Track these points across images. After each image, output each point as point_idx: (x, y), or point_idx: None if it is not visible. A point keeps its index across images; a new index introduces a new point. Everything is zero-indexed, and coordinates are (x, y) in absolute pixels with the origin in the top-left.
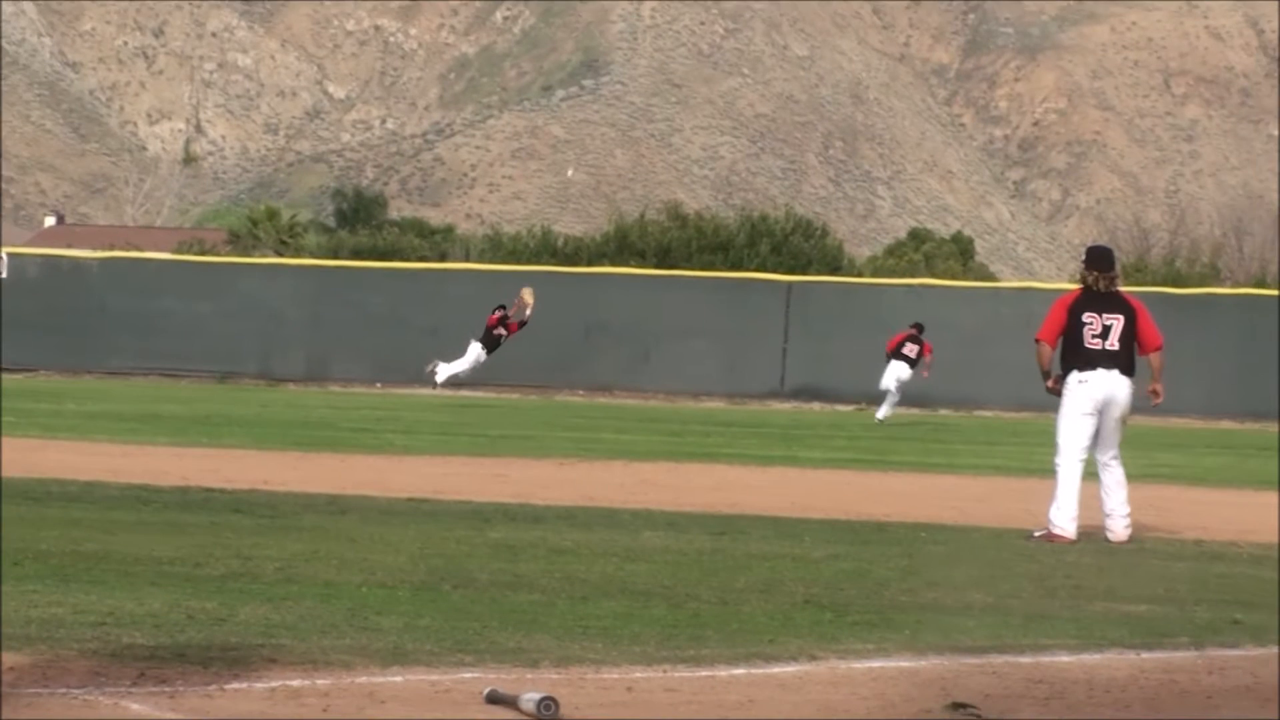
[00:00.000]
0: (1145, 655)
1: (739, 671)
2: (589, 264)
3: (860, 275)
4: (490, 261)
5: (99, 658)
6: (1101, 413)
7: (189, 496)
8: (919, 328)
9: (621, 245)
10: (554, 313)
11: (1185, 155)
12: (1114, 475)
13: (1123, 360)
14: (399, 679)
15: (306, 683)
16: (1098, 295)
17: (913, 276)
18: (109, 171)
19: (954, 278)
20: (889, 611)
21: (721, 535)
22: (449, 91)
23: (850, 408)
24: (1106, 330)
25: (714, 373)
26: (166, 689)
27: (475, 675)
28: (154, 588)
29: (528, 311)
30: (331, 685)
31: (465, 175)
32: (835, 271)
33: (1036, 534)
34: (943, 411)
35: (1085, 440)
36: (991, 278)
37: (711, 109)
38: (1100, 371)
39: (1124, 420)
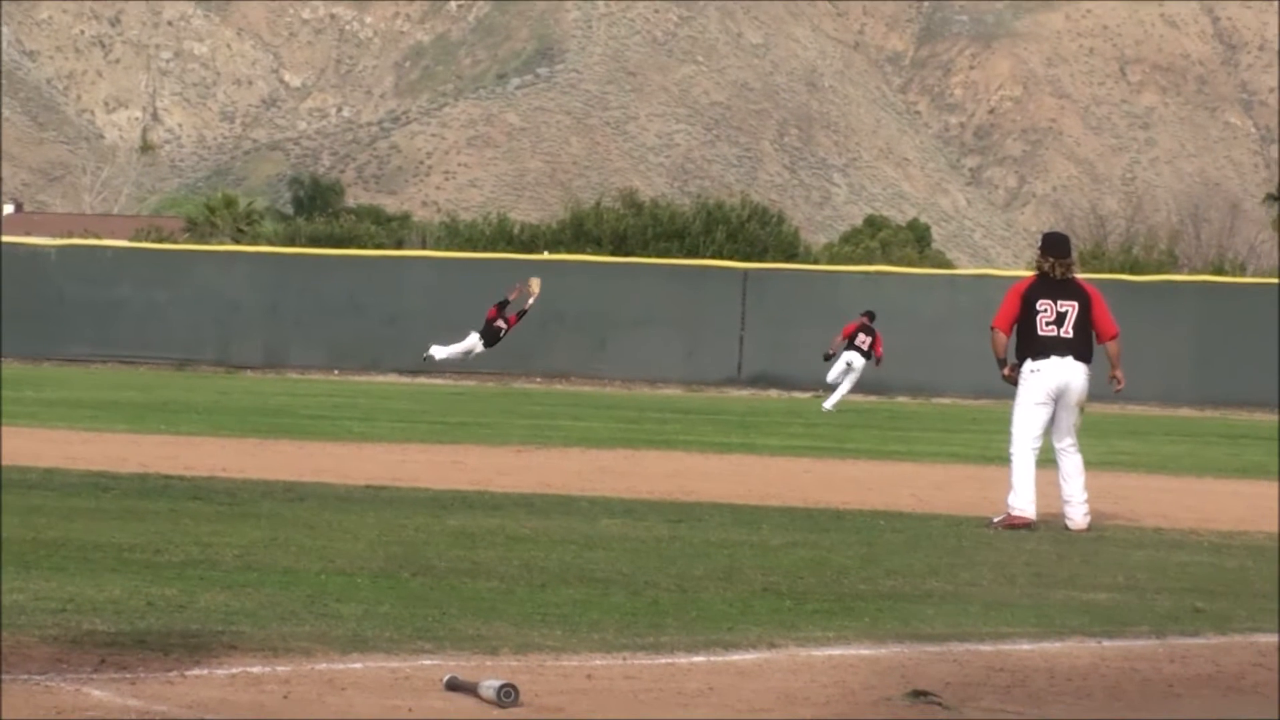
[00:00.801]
0: (1106, 643)
1: (698, 659)
2: (545, 251)
3: (816, 263)
4: (447, 249)
5: (60, 644)
6: (1057, 400)
7: (148, 483)
8: (870, 316)
9: (577, 233)
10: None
11: (1142, 143)
12: (1072, 462)
13: (1078, 347)
14: (359, 666)
15: (267, 669)
16: (1053, 282)
17: (869, 264)
18: (67, 160)
19: (910, 265)
20: (848, 599)
21: (679, 523)
22: (404, 80)
23: (807, 395)
24: (1061, 317)
25: (671, 360)
26: (127, 675)
27: (435, 662)
28: (114, 574)
29: (530, 301)
30: (291, 672)
31: (421, 163)
32: (791, 259)
33: (996, 520)
34: (900, 399)
35: (1038, 429)
36: (948, 265)
37: (666, 96)
38: (1054, 359)
39: (1081, 407)
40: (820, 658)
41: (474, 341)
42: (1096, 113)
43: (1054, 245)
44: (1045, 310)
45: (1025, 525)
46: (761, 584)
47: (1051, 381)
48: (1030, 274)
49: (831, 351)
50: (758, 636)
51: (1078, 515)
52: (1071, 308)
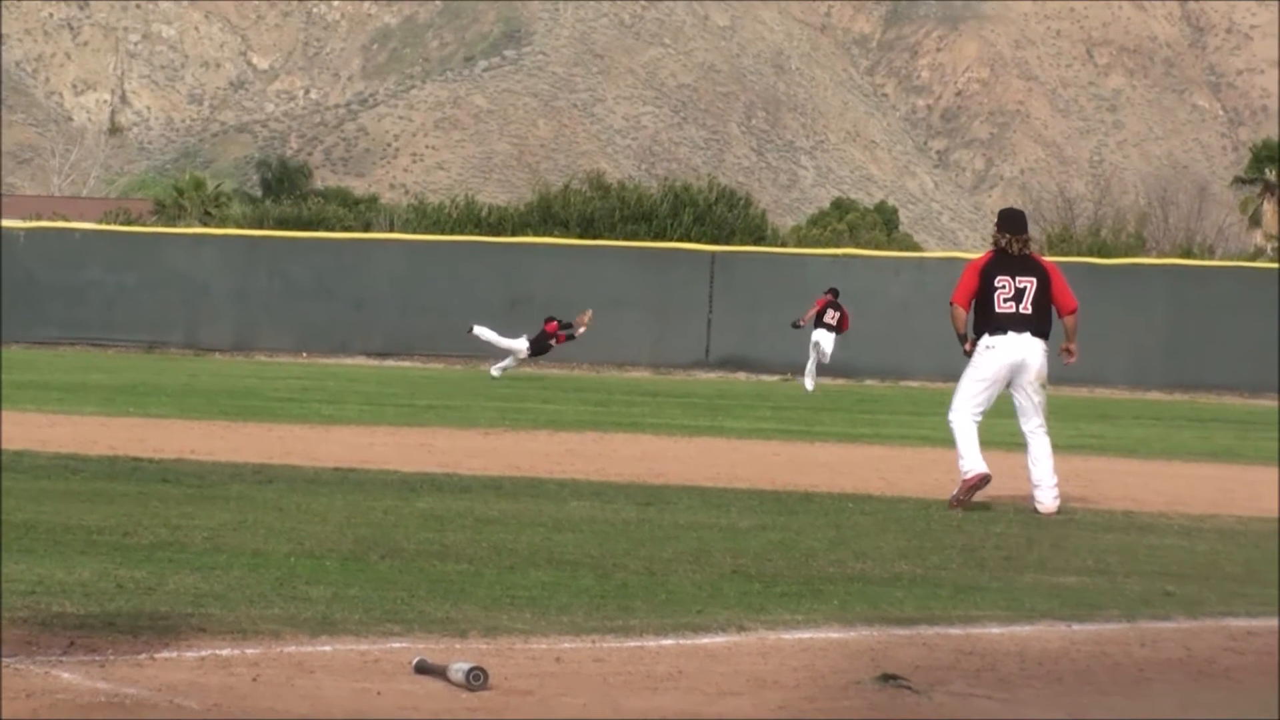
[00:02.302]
0: (1076, 627)
1: (668, 642)
2: (513, 234)
3: (784, 245)
4: (415, 231)
5: (29, 626)
6: (1014, 379)
7: (117, 466)
8: (835, 293)
9: (545, 215)
10: (478, 283)
11: (1109, 125)
12: (1040, 445)
13: (1035, 323)
14: (328, 648)
15: (236, 652)
16: (1011, 258)
17: (837, 246)
18: (35, 142)
19: (878, 248)
20: (817, 582)
21: (648, 505)
22: (372, 62)
23: (775, 378)
24: (1020, 294)
25: (639, 343)
26: (96, 658)
27: (404, 645)
28: (83, 557)
29: (580, 330)
30: (261, 654)
31: (389, 145)
32: (759, 242)
33: (954, 496)
34: (869, 382)
35: (981, 403)
36: (916, 248)
37: (633, 79)
38: (1011, 335)
39: (1043, 385)
40: (789, 641)
41: (521, 346)
42: (1064, 95)
43: (1011, 221)
44: (1004, 287)
45: (981, 480)
46: (730, 567)
47: (1007, 358)
48: (988, 250)
49: (801, 321)
50: (727, 619)
51: (1047, 499)
52: (1030, 284)
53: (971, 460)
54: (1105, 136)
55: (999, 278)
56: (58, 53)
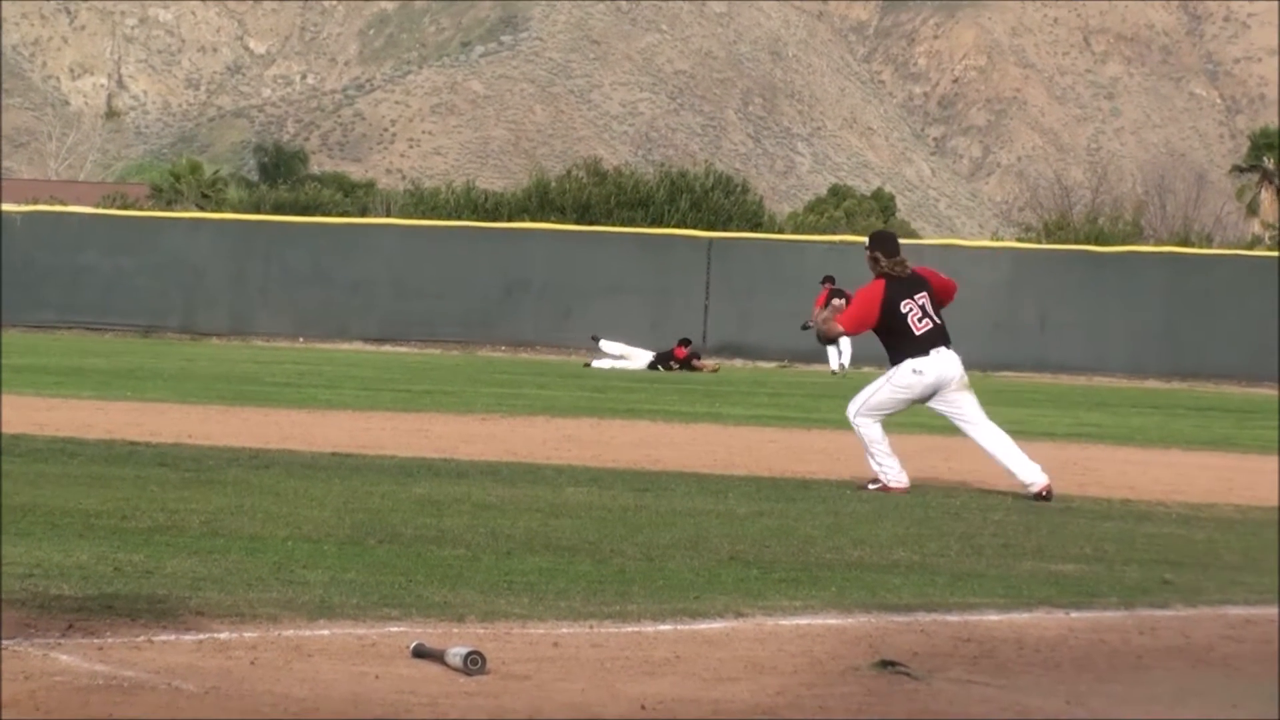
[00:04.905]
0: (1075, 615)
1: (665, 627)
2: (509, 219)
3: (781, 232)
4: (411, 217)
5: (27, 609)
6: (936, 393)
7: (114, 450)
8: (832, 280)
9: (542, 201)
10: (475, 268)
11: (1106, 113)
12: (996, 437)
13: (945, 333)
14: (326, 632)
15: (234, 635)
16: (900, 281)
17: (834, 233)
18: (32, 126)
19: None
20: (815, 569)
21: (645, 491)
22: (369, 47)
23: (772, 365)
24: (923, 309)
25: (636, 329)
26: (95, 640)
27: (401, 629)
28: (81, 540)
29: (703, 369)
30: (259, 638)
31: (385, 130)
32: (756, 228)
33: (871, 486)
34: (866, 369)
35: (890, 412)
36: (913, 235)
37: (630, 65)
38: (933, 355)
39: (966, 386)
40: (787, 627)
41: (643, 359)
42: (1061, 83)
43: (887, 243)
44: (910, 310)
45: (904, 492)
46: (728, 553)
47: (933, 378)
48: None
49: (811, 323)
50: (724, 605)
51: (1034, 475)
52: (924, 297)
53: (897, 474)
54: (1103, 124)
55: (903, 302)
56: (54, 36)
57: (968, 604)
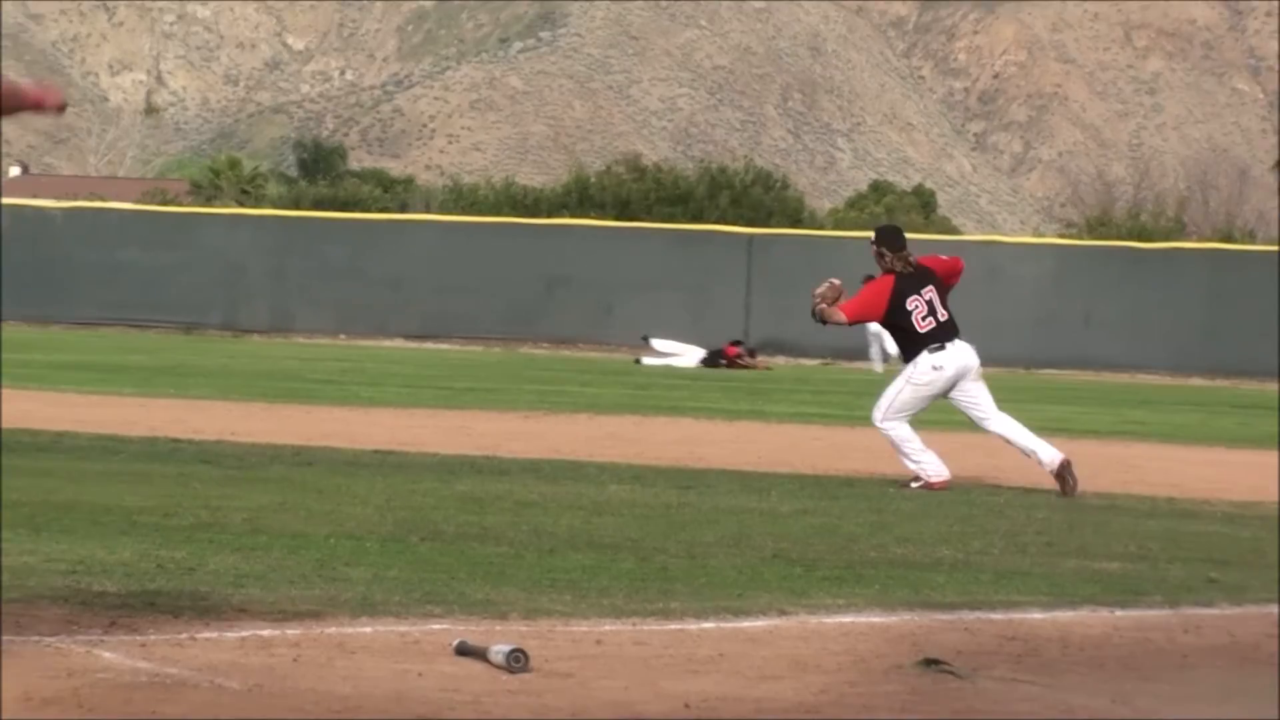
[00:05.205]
0: (1119, 613)
1: (708, 625)
2: (549, 215)
3: (822, 228)
4: (450, 212)
5: (70, 606)
6: (955, 386)
7: (157, 447)
8: (871, 279)
9: (581, 197)
10: (515, 265)
11: (1148, 108)
12: (1009, 424)
13: (955, 326)
14: (368, 629)
15: (276, 632)
16: (908, 277)
17: (874, 229)
18: (72, 122)
19: (916, 231)
20: (859, 566)
21: (688, 489)
22: (407, 43)
23: (815, 362)
24: (930, 305)
25: (677, 326)
26: (138, 638)
27: (444, 626)
28: (124, 537)
29: (751, 365)
30: (301, 635)
31: (424, 126)
32: (796, 224)
33: (915, 485)
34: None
35: (915, 411)
36: (954, 231)
37: (669, 60)
38: (949, 350)
39: (979, 377)
40: (831, 625)
41: (695, 357)
42: (1102, 78)
43: (893, 238)
44: (916, 307)
45: (946, 486)
46: (771, 550)
47: (952, 371)
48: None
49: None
50: (768, 603)
51: (1050, 454)
52: (931, 292)
53: (937, 468)
54: (1144, 119)
55: (909, 299)
56: (93, 33)
57: (1012, 602)
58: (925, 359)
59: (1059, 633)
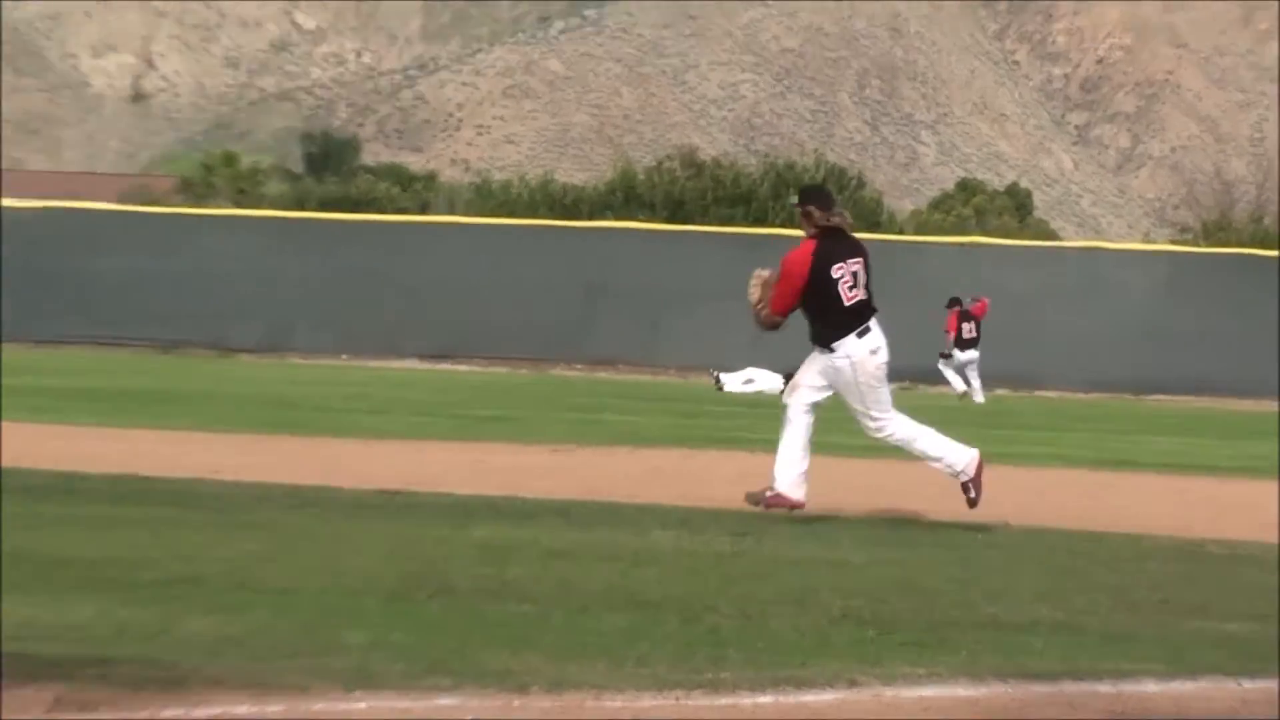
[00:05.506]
0: (1247, 684)
1: (765, 699)
2: (590, 217)
3: (902, 232)
4: (478, 214)
5: (8, 679)
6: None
7: (124, 486)
8: (958, 302)
9: (628, 196)
10: (550, 274)
11: (1271, 98)
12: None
13: (873, 306)
14: (363, 705)
15: (255, 709)
16: (833, 240)
17: (962, 234)
18: (46, 110)
19: (1009, 235)
20: (942, 628)
21: (743, 536)
22: (433, 22)
23: (892, 386)
24: (855, 278)
25: (734, 344)
26: (87, 716)
27: (454, 702)
28: (79, 594)
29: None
30: (284, 712)
31: (450, 116)
32: (874, 228)
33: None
34: (999, 391)
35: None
36: (1053, 235)
37: (731, 43)
38: (876, 330)
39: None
40: (910, 698)
41: (773, 381)
42: (1219, 64)
43: (818, 195)
44: (842, 275)
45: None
46: (840, 610)
47: (886, 354)
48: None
49: (947, 352)
50: (835, 672)
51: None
52: (859, 264)
53: (962, 453)
54: (1267, 110)
55: (835, 266)
56: (75, 10)
57: (1121, 671)
58: (856, 348)
59: (1177, 706)
